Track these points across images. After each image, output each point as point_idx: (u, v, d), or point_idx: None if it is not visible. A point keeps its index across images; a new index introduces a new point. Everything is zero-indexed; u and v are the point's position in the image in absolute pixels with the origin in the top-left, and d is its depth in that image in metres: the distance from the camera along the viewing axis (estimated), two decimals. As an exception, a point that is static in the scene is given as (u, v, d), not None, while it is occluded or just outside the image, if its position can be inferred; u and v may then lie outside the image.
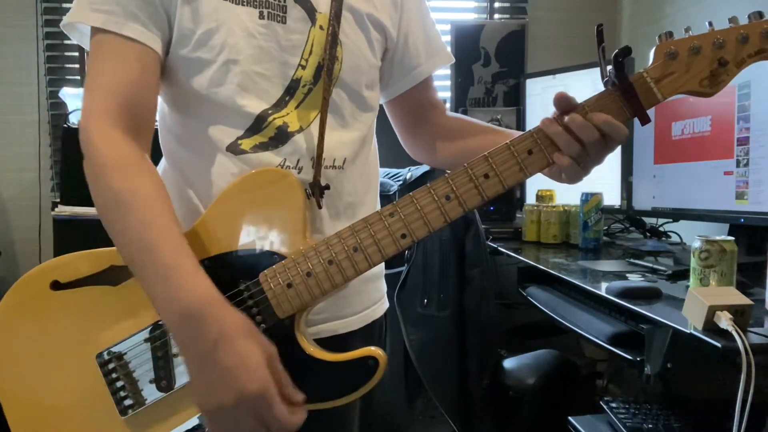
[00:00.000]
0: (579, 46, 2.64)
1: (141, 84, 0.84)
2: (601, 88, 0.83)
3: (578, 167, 0.81)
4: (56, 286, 0.86)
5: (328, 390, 0.82)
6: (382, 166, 1.07)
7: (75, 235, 2.03)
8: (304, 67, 0.89)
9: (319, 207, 0.89)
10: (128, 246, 0.79)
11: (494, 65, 2.64)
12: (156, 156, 0.96)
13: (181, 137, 0.91)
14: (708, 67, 0.79)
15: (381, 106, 1.07)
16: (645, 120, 0.80)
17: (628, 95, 0.80)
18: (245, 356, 0.72)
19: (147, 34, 0.84)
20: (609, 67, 0.80)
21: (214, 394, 0.73)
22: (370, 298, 1.01)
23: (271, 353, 0.75)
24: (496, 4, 2.79)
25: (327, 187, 0.89)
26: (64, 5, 2.58)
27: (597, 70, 2.10)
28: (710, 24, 0.80)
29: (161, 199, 0.81)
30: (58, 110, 2.57)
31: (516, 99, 2.58)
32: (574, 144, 0.80)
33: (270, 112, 0.87)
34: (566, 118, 0.80)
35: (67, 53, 2.61)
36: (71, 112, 2.25)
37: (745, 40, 0.78)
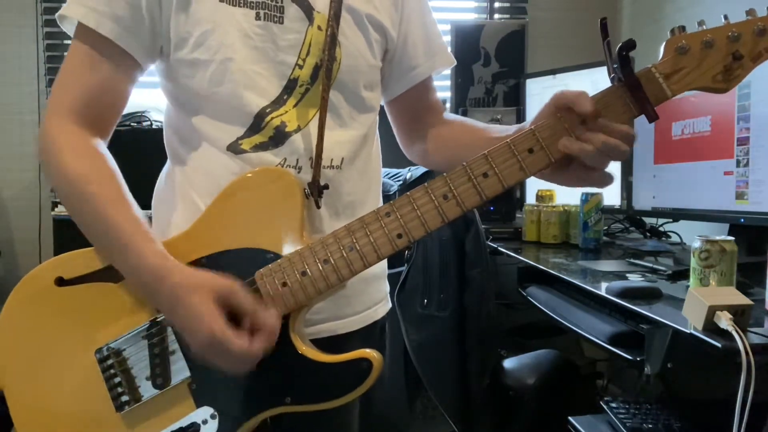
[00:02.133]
0: (579, 46, 2.64)
1: (107, 86, 0.87)
2: (602, 87, 0.81)
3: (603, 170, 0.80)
4: (61, 282, 0.87)
5: (322, 391, 0.82)
6: (382, 166, 1.07)
7: (75, 235, 2.01)
8: (301, 67, 0.89)
9: (318, 207, 0.89)
10: (88, 228, 0.84)
11: (494, 65, 2.64)
12: (159, 156, 0.97)
13: (184, 137, 0.92)
14: (722, 61, 0.76)
15: (381, 107, 1.06)
16: (653, 117, 0.77)
17: (634, 91, 0.77)
18: (195, 308, 0.76)
19: (125, 38, 0.85)
20: (615, 63, 0.78)
21: (186, 336, 0.80)
22: (372, 298, 1.01)
23: (220, 292, 0.77)
24: (496, 4, 2.79)
25: (326, 186, 0.89)
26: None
27: (597, 70, 2.11)
28: (725, 17, 0.77)
29: (109, 178, 0.84)
30: (58, 110, 2.57)
31: (516, 99, 2.58)
32: (599, 158, 0.78)
33: (268, 110, 0.88)
34: (586, 134, 0.78)
35: (66, 53, 2.61)
36: (71, 112, 2.25)
37: (763, 33, 0.75)
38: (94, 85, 0.86)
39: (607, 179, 0.81)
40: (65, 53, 0.89)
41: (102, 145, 0.87)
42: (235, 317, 0.77)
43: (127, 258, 0.81)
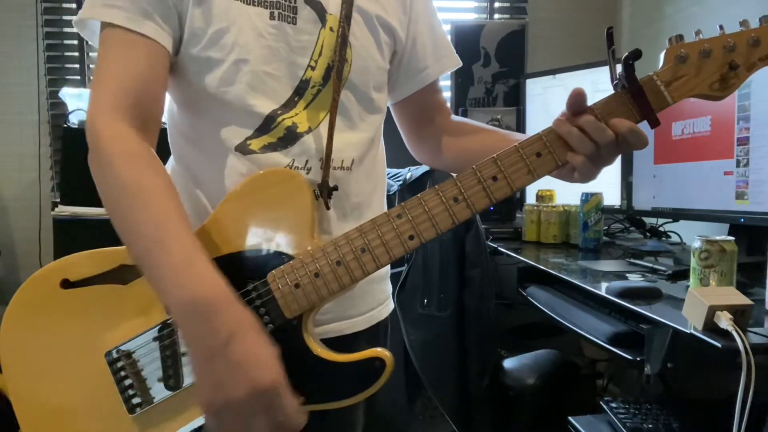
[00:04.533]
0: (579, 46, 2.65)
1: (150, 79, 0.84)
2: (602, 87, 0.82)
3: (592, 165, 0.81)
4: (66, 284, 0.87)
5: (335, 391, 0.82)
6: (382, 166, 1.07)
7: (75, 235, 2.03)
8: (313, 68, 0.89)
9: (327, 208, 0.89)
10: (139, 241, 0.77)
11: (494, 65, 2.64)
12: (163, 155, 0.97)
13: (191, 137, 0.92)
14: (718, 70, 0.79)
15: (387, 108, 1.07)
16: (655, 123, 0.80)
17: (638, 98, 0.79)
18: (258, 350, 0.72)
19: (158, 32, 0.84)
20: (619, 70, 0.80)
21: (223, 388, 0.71)
22: (376, 299, 1.01)
23: (276, 352, 0.75)
24: (496, 4, 2.79)
25: (335, 188, 0.89)
26: (64, 5, 2.58)
27: (597, 70, 2.11)
28: (721, 27, 0.80)
29: (172, 195, 0.80)
30: (58, 110, 2.57)
31: (516, 99, 2.58)
32: (588, 143, 0.80)
33: (279, 112, 0.88)
34: (580, 119, 0.80)
35: (67, 53, 2.61)
36: (71, 112, 2.25)
37: (757, 44, 0.78)
38: (135, 81, 0.82)
39: (588, 169, 0.81)
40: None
41: (155, 154, 0.83)
42: None
43: (182, 280, 0.74)
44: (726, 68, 0.79)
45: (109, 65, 0.83)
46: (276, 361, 0.73)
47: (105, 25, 0.84)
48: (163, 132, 0.96)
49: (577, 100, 0.80)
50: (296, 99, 0.89)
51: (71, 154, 2.14)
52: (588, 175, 0.83)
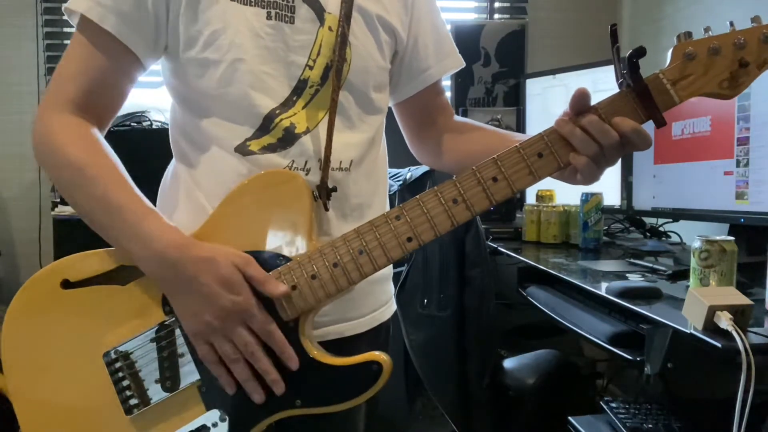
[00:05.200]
0: (579, 46, 2.65)
1: (106, 82, 0.87)
2: (602, 87, 0.81)
3: (595, 167, 0.79)
4: (66, 284, 0.87)
5: (332, 394, 0.82)
6: (382, 166, 1.06)
7: (75, 235, 2.02)
8: (311, 68, 0.89)
9: (326, 209, 0.88)
10: (94, 211, 0.83)
11: (494, 65, 2.64)
12: (164, 155, 0.97)
13: (191, 138, 0.92)
14: (728, 68, 0.77)
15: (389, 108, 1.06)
16: (660, 123, 0.78)
17: (643, 97, 0.77)
18: (216, 279, 0.78)
19: (128, 35, 0.85)
20: (623, 69, 0.78)
21: (199, 317, 0.80)
22: (378, 300, 1.00)
23: (243, 261, 0.79)
24: (496, 4, 2.79)
25: (334, 189, 0.89)
26: (64, 5, 2.57)
27: (597, 70, 2.11)
28: (731, 24, 0.77)
29: (116, 166, 0.85)
30: (58, 110, 2.57)
31: (516, 99, 2.58)
32: (591, 144, 0.78)
33: (278, 111, 0.87)
34: (583, 120, 0.78)
35: (68, 44, 2.60)
36: (71, 112, 2.24)
37: None
38: (93, 80, 0.86)
39: (591, 171, 0.80)
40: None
41: (98, 133, 0.88)
42: None
43: (139, 238, 0.81)
44: (736, 66, 0.76)
45: (69, 60, 0.87)
46: (232, 281, 0.78)
47: (82, 19, 0.86)
48: (165, 132, 0.97)
49: (580, 100, 0.79)
50: (295, 98, 0.88)
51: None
52: (591, 177, 0.81)
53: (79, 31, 0.87)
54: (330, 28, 0.89)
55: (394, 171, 2.03)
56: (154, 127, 2.25)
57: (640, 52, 0.76)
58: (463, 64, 1.08)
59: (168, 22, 0.86)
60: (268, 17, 0.87)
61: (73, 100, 0.85)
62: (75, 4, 0.86)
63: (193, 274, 0.79)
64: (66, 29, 2.59)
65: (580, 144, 0.78)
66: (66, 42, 2.58)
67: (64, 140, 0.84)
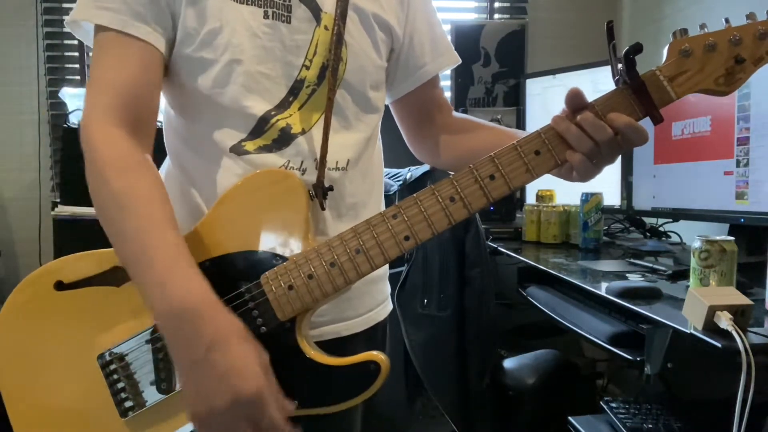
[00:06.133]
0: (579, 46, 2.65)
1: (144, 82, 0.83)
2: (602, 87, 0.81)
3: (591, 164, 0.79)
4: (60, 286, 0.86)
5: (329, 394, 0.81)
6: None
7: (75, 235, 2.03)
8: (308, 68, 0.88)
9: (323, 209, 0.88)
10: (125, 248, 0.78)
11: (494, 65, 2.64)
12: (160, 156, 0.97)
13: (186, 138, 0.91)
14: (724, 64, 0.77)
15: (386, 106, 1.06)
16: (658, 120, 0.78)
17: (640, 94, 0.77)
18: (241, 359, 0.72)
19: (151, 34, 0.83)
20: (620, 66, 0.78)
21: (206, 397, 0.71)
22: (374, 300, 1.00)
23: (265, 360, 0.74)
24: (496, 4, 2.79)
25: (330, 188, 0.88)
26: (64, 5, 2.58)
27: (597, 70, 2.11)
28: (727, 21, 0.77)
29: (159, 200, 0.80)
30: (58, 110, 2.57)
31: (516, 99, 2.58)
32: (586, 140, 0.78)
33: (273, 113, 0.87)
34: (578, 117, 0.78)
35: (67, 53, 2.61)
36: (71, 112, 2.25)
37: (764, 37, 0.76)
38: (130, 83, 0.82)
39: (587, 168, 0.80)
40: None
41: (148, 158, 0.83)
42: None
43: (164, 291, 0.74)
44: (732, 62, 0.76)
45: (102, 69, 0.83)
46: (259, 369, 0.72)
47: (99, 28, 0.84)
48: (159, 132, 0.96)
49: (574, 99, 0.79)
50: (291, 99, 0.88)
51: (71, 154, 2.14)
52: (587, 174, 0.81)
53: (100, 40, 0.84)
54: (326, 28, 0.89)
55: (394, 171, 2.03)
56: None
57: (636, 48, 0.76)
58: (459, 61, 1.08)
59: (176, 15, 0.84)
60: (265, 16, 0.86)
61: (116, 110, 0.81)
62: (91, 15, 0.83)
63: (212, 345, 0.72)
64: (66, 29, 2.59)
65: (575, 140, 0.78)
66: (66, 42, 2.58)
67: (106, 158, 0.79)
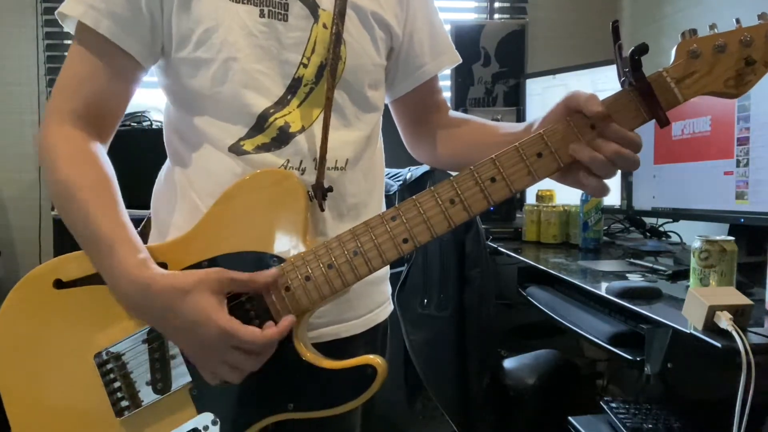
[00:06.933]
0: (579, 46, 2.65)
1: (108, 89, 0.86)
2: (602, 87, 0.80)
3: (604, 183, 0.79)
4: (59, 284, 0.86)
5: (325, 398, 0.81)
6: (382, 166, 1.06)
7: (75, 236, 2.03)
8: (305, 66, 0.88)
9: (322, 209, 0.87)
10: (78, 235, 0.83)
11: (494, 65, 2.64)
12: (159, 156, 0.97)
13: (185, 137, 0.91)
14: (734, 66, 0.75)
15: (386, 106, 1.05)
16: (664, 122, 0.76)
17: (645, 96, 0.75)
18: (192, 313, 0.75)
19: (124, 38, 0.84)
20: (625, 67, 0.76)
21: (184, 344, 0.80)
22: (374, 301, 0.99)
23: (210, 281, 0.76)
24: (496, 4, 2.79)
25: (330, 189, 0.88)
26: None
27: (597, 70, 2.10)
28: (737, 21, 0.75)
29: (102, 185, 0.83)
30: (58, 110, 2.57)
31: (516, 99, 2.58)
32: (611, 168, 0.77)
33: (272, 110, 0.87)
34: (602, 143, 0.77)
35: (66, 53, 2.60)
36: (71, 112, 2.25)
37: None
38: (94, 87, 0.85)
39: (605, 190, 0.80)
40: (65, 53, 0.89)
41: (100, 150, 0.86)
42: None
43: (112, 270, 0.79)
44: (742, 64, 0.74)
45: (70, 70, 0.87)
46: (210, 312, 0.75)
47: (78, 24, 0.86)
48: (159, 133, 0.97)
49: (571, 104, 0.79)
50: (289, 97, 0.88)
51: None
52: (598, 192, 0.81)
53: (76, 38, 0.87)
54: (324, 26, 0.88)
55: (394, 171, 2.03)
56: (154, 127, 2.25)
57: (642, 49, 0.74)
58: (460, 60, 1.07)
59: (163, 23, 0.85)
60: (261, 15, 0.86)
61: (76, 112, 0.84)
62: (68, 8, 0.86)
63: (165, 312, 0.77)
64: (66, 29, 2.59)
65: (600, 168, 0.77)
66: (66, 42, 2.58)
67: (61, 160, 0.83)
